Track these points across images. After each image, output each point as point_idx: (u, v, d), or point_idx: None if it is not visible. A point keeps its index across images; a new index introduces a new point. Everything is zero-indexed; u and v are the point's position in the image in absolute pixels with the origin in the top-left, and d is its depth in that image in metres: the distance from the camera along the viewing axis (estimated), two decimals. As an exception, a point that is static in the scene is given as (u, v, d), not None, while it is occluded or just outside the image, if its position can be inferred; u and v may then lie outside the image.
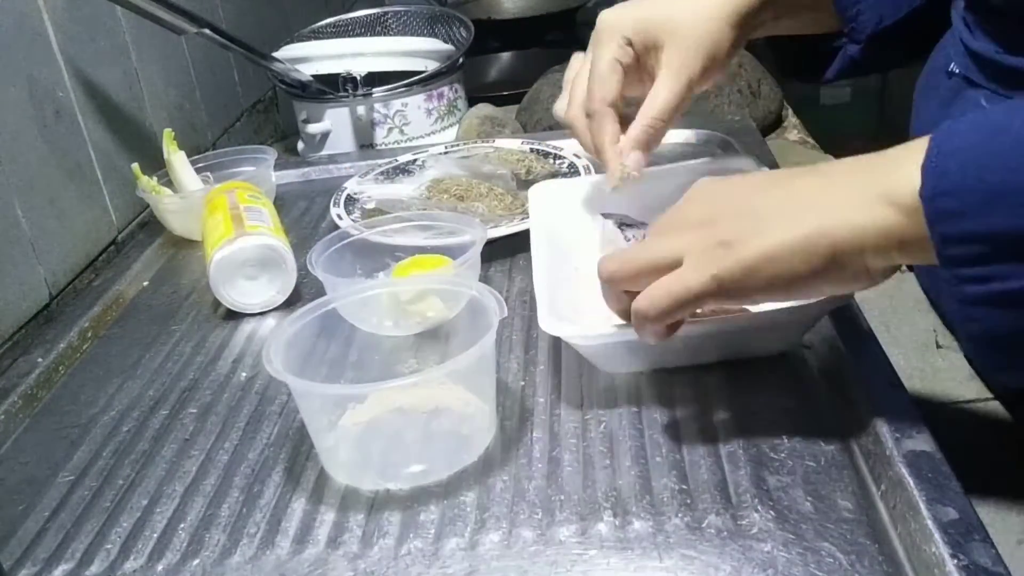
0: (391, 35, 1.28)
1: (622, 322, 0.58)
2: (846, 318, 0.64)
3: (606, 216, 0.70)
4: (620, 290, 0.55)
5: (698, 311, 0.59)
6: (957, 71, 0.63)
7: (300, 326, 0.60)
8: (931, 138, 0.44)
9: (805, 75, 0.80)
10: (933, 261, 0.44)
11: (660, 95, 0.68)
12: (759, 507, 0.50)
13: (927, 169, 0.43)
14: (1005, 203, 0.41)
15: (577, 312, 0.64)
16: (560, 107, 0.74)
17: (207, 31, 0.96)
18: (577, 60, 0.75)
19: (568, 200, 0.78)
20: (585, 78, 0.70)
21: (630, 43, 0.68)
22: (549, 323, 0.60)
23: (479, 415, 0.59)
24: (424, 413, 0.61)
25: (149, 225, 1.00)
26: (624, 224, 0.68)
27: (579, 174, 0.90)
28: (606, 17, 0.70)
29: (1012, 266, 0.42)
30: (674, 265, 0.51)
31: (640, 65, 0.70)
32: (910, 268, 0.85)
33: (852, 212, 0.46)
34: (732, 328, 0.59)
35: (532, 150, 0.97)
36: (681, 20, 0.68)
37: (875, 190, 0.46)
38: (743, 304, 0.56)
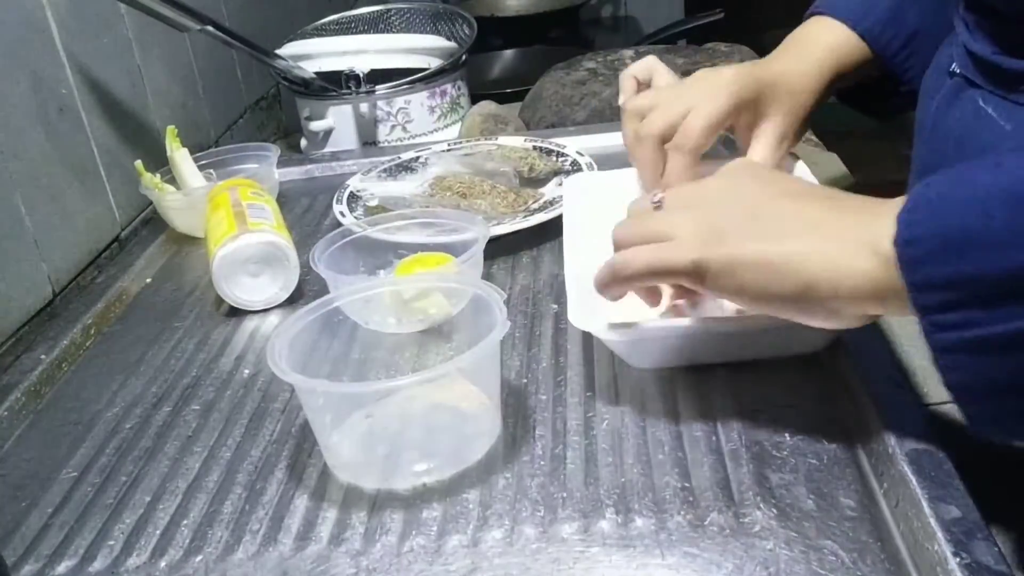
0: (394, 32, 1.28)
1: (646, 317, 0.59)
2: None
3: None
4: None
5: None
6: (958, 71, 0.63)
7: (303, 325, 0.60)
8: (913, 189, 0.45)
9: (868, 110, 0.85)
10: (908, 313, 0.45)
11: (757, 158, 0.74)
12: (761, 505, 0.50)
13: (900, 217, 0.44)
14: (969, 249, 0.41)
15: (603, 306, 0.65)
16: (628, 102, 0.77)
17: (210, 28, 0.97)
18: (650, 69, 0.80)
19: (603, 192, 0.78)
20: (668, 110, 0.72)
21: (737, 107, 0.72)
22: (578, 318, 0.60)
23: (483, 413, 0.59)
24: (428, 411, 0.61)
25: (152, 222, 1.00)
26: None
27: (581, 171, 0.90)
28: (726, 74, 0.73)
29: (982, 312, 0.41)
30: (668, 240, 0.53)
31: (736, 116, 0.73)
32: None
33: (836, 251, 0.47)
34: (769, 326, 0.59)
35: (535, 147, 0.97)
36: (788, 86, 0.74)
37: (865, 235, 0.46)
38: (713, 297, 0.57)
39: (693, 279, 0.52)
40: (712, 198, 0.54)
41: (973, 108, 0.61)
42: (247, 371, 0.70)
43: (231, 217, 0.80)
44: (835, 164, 1.20)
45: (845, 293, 0.47)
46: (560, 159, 0.94)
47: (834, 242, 0.48)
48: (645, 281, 0.55)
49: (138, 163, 0.95)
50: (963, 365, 0.43)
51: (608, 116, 1.12)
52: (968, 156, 0.62)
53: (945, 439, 0.52)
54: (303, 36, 1.23)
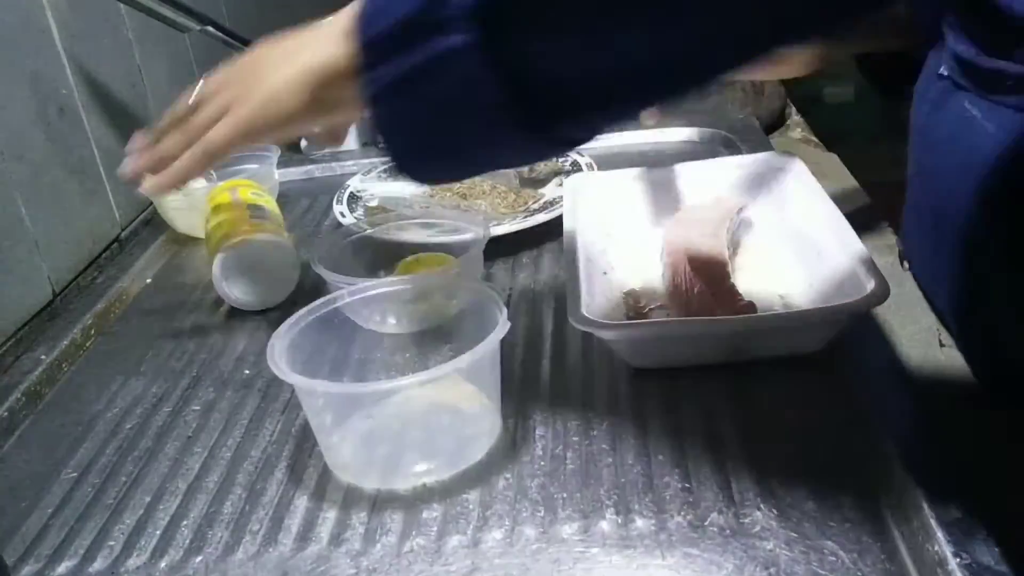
0: (394, 32, 1.28)
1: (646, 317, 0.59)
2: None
3: None
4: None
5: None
6: (946, 73, 0.64)
7: (303, 326, 0.60)
8: None
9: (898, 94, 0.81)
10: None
11: None
12: (761, 505, 0.50)
13: None
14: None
15: (602, 304, 0.65)
16: None
17: (210, 28, 0.96)
18: None
19: (603, 192, 0.79)
20: None
21: None
22: (578, 318, 0.60)
23: (483, 413, 0.59)
24: (428, 411, 0.61)
25: (152, 222, 1.00)
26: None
27: (581, 171, 0.90)
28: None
29: (385, 64, 0.44)
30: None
31: None
32: (910, 266, 0.85)
33: (325, 46, 0.50)
34: (769, 326, 0.59)
35: (535, 148, 0.97)
36: None
37: (345, 24, 0.48)
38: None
39: (245, 137, 0.55)
40: (219, 85, 0.58)
41: (960, 110, 0.62)
42: (247, 371, 0.70)
43: (231, 217, 0.80)
44: (835, 164, 1.20)
45: (341, 75, 0.49)
46: (560, 159, 0.94)
47: (322, 43, 0.50)
48: (199, 166, 0.57)
49: (138, 163, 0.95)
50: (388, 113, 0.47)
51: (608, 116, 1.12)
52: (958, 158, 0.63)
53: (945, 439, 0.52)
54: (303, 36, 1.23)
